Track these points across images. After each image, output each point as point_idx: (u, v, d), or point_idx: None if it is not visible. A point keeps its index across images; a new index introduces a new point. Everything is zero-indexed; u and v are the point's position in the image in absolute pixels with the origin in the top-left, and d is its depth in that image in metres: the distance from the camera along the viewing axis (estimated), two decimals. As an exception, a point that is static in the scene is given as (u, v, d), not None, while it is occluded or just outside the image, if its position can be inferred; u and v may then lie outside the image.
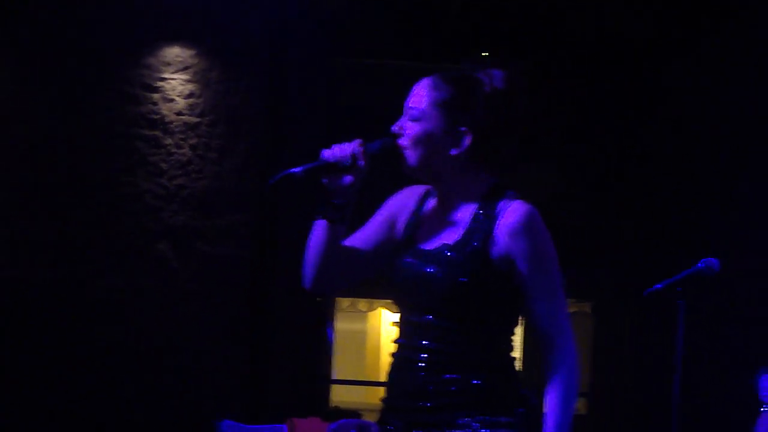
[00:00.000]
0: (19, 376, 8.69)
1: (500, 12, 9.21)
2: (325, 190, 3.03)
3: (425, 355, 2.97)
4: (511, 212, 2.96)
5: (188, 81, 8.98)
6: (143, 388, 8.72)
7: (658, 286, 5.02)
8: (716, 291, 7.79)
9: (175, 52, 8.97)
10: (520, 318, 3.09)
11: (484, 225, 2.97)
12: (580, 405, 10.64)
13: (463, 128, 3.00)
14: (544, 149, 9.55)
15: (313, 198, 3.07)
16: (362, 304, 13.73)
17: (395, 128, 3.05)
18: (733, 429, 7.69)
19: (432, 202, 3.11)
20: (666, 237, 9.28)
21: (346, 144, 3.00)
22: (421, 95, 3.02)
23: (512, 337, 3.06)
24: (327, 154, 3.01)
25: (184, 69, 8.98)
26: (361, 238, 3.13)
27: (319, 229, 3.07)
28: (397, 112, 3.08)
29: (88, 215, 8.80)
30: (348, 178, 3.01)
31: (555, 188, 9.46)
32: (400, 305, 3.08)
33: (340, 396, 11.22)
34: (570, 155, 9.67)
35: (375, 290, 9.89)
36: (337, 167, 3.00)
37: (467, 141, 2.99)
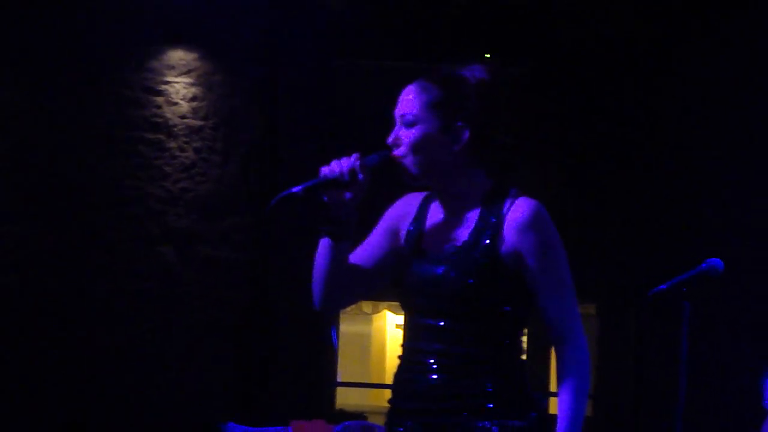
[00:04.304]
0: (18, 380, 8.68)
1: (499, 13, 9.21)
2: (325, 207, 3.02)
3: (436, 358, 2.96)
4: (518, 208, 2.96)
5: (192, 84, 8.98)
6: (146, 391, 8.72)
7: (663, 287, 5.01)
8: (721, 292, 7.78)
9: (178, 56, 8.97)
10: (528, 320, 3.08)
11: (491, 223, 2.96)
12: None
13: (460, 123, 2.99)
14: (546, 151, 9.55)
15: (315, 214, 3.04)
16: (366, 306, 13.72)
17: (390, 140, 3.03)
18: (739, 430, 7.68)
19: (434, 207, 3.09)
20: (670, 238, 9.26)
21: (344, 159, 2.98)
22: (411, 100, 3.01)
23: (522, 339, 3.06)
24: (325, 170, 2.98)
25: (188, 72, 8.98)
26: (364, 252, 3.12)
27: (323, 248, 3.05)
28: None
29: (91, 218, 8.80)
30: (348, 194, 2.99)
31: (557, 190, 9.46)
32: (409, 308, 3.06)
33: (345, 398, 11.21)
34: (572, 157, 9.67)
35: (379, 293, 9.88)
36: (337, 183, 2.98)
37: (466, 135, 2.99)
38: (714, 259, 4.96)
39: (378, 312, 14.13)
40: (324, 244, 3.05)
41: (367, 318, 14.51)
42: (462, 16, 9.16)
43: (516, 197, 2.99)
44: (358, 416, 9.40)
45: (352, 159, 2.98)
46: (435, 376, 2.95)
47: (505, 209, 2.97)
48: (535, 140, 9.49)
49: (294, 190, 2.95)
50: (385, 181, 3.09)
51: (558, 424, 2.92)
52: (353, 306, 13.20)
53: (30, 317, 8.71)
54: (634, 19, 9.16)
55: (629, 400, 9.72)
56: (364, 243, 3.13)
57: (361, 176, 2.97)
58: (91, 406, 8.70)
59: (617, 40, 9.36)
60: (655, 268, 8.39)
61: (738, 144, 8.91)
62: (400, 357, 3.07)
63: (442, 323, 2.97)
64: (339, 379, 10.44)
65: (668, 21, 9.09)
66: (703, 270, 4.95)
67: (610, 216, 9.68)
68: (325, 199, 3.00)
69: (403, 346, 3.07)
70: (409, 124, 3.00)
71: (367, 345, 14.59)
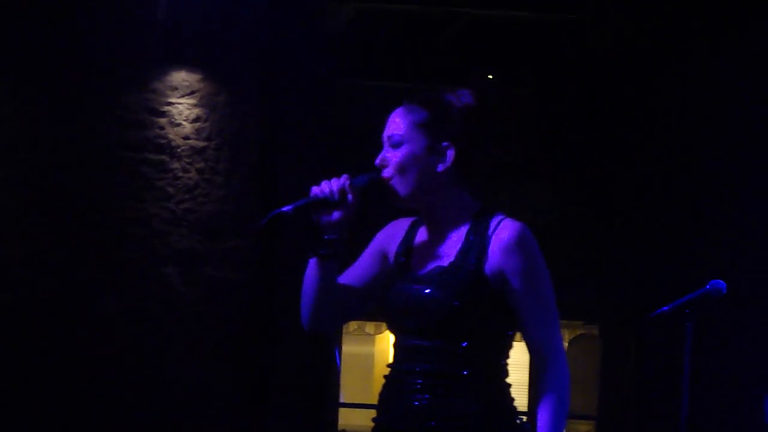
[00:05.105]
0: (22, 398, 8.67)
1: (500, 34, 9.22)
2: (315, 227, 3.05)
3: (422, 379, 2.99)
4: (504, 229, 3.00)
5: (195, 105, 9.00)
6: (147, 411, 8.71)
7: (665, 308, 5.02)
8: (724, 313, 7.77)
9: (181, 77, 8.99)
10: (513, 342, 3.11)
11: (477, 244, 3.01)
12: (588, 428, 10.62)
13: (445, 143, 3.03)
14: (546, 173, 9.55)
15: (306, 235, 3.07)
16: (370, 326, 13.73)
17: (378, 161, 3.07)
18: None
19: (422, 230, 3.14)
20: (673, 258, 9.26)
21: (334, 179, 3.02)
22: (397, 122, 3.06)
23: (507, 362, 3.08)
24: (315, 190, 3.02)
25: (191, 93, 9.00)
26: (353, 275, 3.15)
27: (312, 268, 3.08)
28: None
29: (94, 240, 8.81)
30: (337, 214, 3.02)
31: (559, 210, 9.46)
32: (396, 330, 3.10)
33: (348, 419, 11.19)
34: (573, 178, 9.67)
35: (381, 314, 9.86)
36: (327, 203, 3.00)
37: (451, 155, 3.03)
38: (717, 280, 4.97)
39: (381, 333, 14.12)
40: (313, 264, 3.08)
41: (371, 339, 14.51)
42: (463, 34, 9.18)
43: (502, 219, 3.03)
44: (361, 437, 9.38)
45: (342, 179, 3.02)
46: (419, 396, 2.98)
47: (490, 230, 3.02)
48: (538, 160, 9.51)
49: (284, 209, 2.99)
50: (376, 203, 3.12)
51: None
52: (356, 327, 13.19)
53: (32, 337, 8.70)
54: (634, 38, 9.17)
55: (631, 422, 9.70)
56: (354, 264, 3.17)
57: (350, 196, 3.01)
58: (88, 425, 8.68)
59: (617, 59, 9.37)
60: (659, 289, 8.39)
61: (742, 161, 8.90)
62: (386, 377, 3.10)
63: (427, 344, 3.01)
64: (342, 400, 10.43)
65: (672, 36, 9.08)
66: (706, 291, 4.96)
67: (614, 237, 9.68)
68: (315, 218, 3.03)
69: (390, 366, 3.10)
70: (395, 145, 3.05)
71: (370, 366, 14.58)
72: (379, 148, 3.08)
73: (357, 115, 9.28)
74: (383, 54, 9.35)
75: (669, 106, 9.51)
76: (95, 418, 8.69)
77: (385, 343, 14.45)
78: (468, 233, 3.00)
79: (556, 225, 9.22)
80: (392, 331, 3.11)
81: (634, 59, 9.40)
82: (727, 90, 8.92)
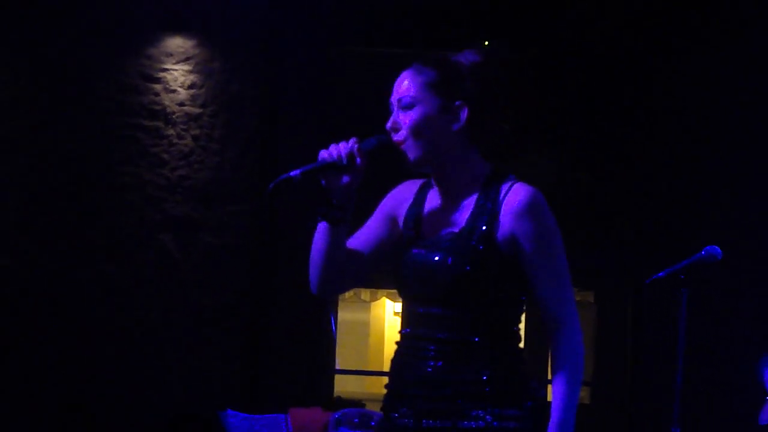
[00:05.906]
0: (16, 368, 8.68)
1: (502, 10, 9.19)
2: (323, 191, 3.01)
3: (434, 346, 2.96)
4: (515, 194, 2.96)
5: (190, 72, 8.97)
6: (145, 379, 8.72)
7: (661, 274, 5.02)
8: (719, 278, 7.78)
9: (176, 43, 8.96)
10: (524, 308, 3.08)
11: (488, 209, 2.96)
12: (583, 394, 10.65)
13: (458, 102, 2.99)
14: (545, 138, 9.54)
15: (313, 199, 3.04)
16: (365, 294, 13.74)
17: (389, 125, 3.03)
18: (737, 417, 7.69)
19: (432, 194, 3.09)
20: (669, 225, 9.26)
21: (343, 143, 2.98)
22: (408, 84, 3.01)
23: (519, 326, 3.05)
24: (324, 154, 2.98)
25: (186, 60, 8.97)
26: (362, 238, 3.12)
27: (321, 232, 3.05)
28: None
29: (89, 206, 8.80)
30: (346, 178, 2.99)
31: (556, 177, 9.45)
32: (406, 296, 3.06)
33: (343, 386, 11.22)
34: (570, 144, 9.66)
35: (378, 280, 9.87)
36: (335, 167, 2.98)
37: (465, 114, 2.99)
38: (712, 246, 4.97)
39: (376, 300, 14.14)
40: (322, 228, 3.05)
41: (366, 306, 14.53)
42: (464, 3, 9.14)
43: (513, 183, 2.99)
44: (356, 403, 9.40)
45: (350, 143, 2.99)
46: (432, 363, 2.95)
47: (501, 195, 2.97)
48: (536, 127, 9.49)
49: (292, 173, 2.95)
50: (384, 167, 3.09)
51: (552, 411, 2.92)
52: (352, 294, 13.19)
53: (28, 305, 8.71)
54: (642, 8, 9.14)
55: (627, 388, 9.73)
56: (362, 228, 3.14)
57: (359, 160, 2.97)
58: (90, 393, 8.70)
59: (621, 27, 9.34)
60: (654, 256, 8.40)
61: (738, 133, 8.90)
62: (397, 343, 3.07)
63: (439, 310, 2.97)
64: (337, 367, 10.44)
65: (679, 9, 9.06)
66: (701, 257, 4.96)
67: (609, 203, 9.67)
68: (323, 183, 3.00)
69: (401, 332, 3.07)
70: (407, 107, 3.00)
71: (365, 333, 14.61)
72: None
73: (356, 81, 9.26)
74: (385, 21, 9.30)
75: (667, 83, 9.49)
76: (91, 382, 8.70)
77: (381, 310, 14.47)
78: (479, 198, 2.96)
79: (551, 192, 9.21)
80: (403, 298, 3.07)
81: (633, 54, 9.38)
82: (728, 67, 8.91)
